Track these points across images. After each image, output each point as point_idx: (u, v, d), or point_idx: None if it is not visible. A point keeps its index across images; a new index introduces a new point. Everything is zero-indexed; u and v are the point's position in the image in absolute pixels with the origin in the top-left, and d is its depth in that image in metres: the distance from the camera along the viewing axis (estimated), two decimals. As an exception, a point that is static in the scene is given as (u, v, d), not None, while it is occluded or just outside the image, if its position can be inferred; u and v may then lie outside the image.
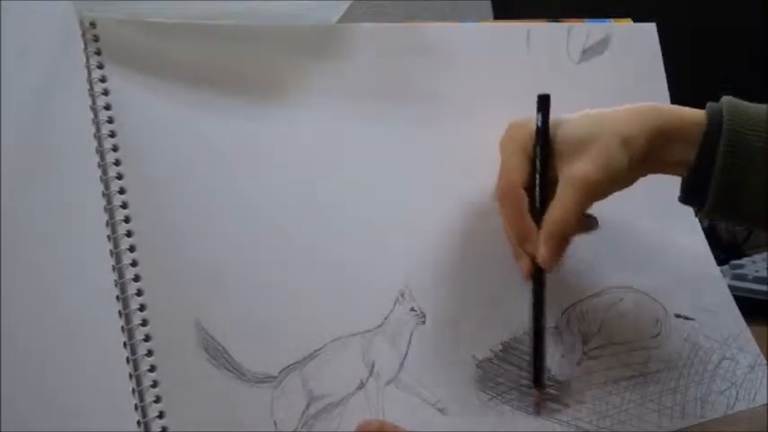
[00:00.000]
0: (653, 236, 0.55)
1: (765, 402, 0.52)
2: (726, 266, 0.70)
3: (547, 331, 0.49)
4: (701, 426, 0.50)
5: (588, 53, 0.57)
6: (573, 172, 0.45)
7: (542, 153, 0.46)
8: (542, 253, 0.45)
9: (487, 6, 0.78)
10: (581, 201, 0.45)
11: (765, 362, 0.54)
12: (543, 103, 0.47)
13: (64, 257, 0.42)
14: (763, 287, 0.66)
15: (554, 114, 0.48)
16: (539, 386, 0.46)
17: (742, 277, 0.68)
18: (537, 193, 0.46)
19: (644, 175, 0.48)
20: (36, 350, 0.41)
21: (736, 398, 0.52)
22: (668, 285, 0.54)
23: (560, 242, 0.45)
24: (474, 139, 0.52)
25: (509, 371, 0.48)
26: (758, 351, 0.54)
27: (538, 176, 0.46)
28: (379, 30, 0.51)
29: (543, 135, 0.46)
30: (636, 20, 0.59)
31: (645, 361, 0.51)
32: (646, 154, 0.46)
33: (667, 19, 0.58)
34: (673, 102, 0.57)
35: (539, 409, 0.46)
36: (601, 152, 0.45)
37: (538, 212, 0.45)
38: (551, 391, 0.47)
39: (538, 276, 0.46)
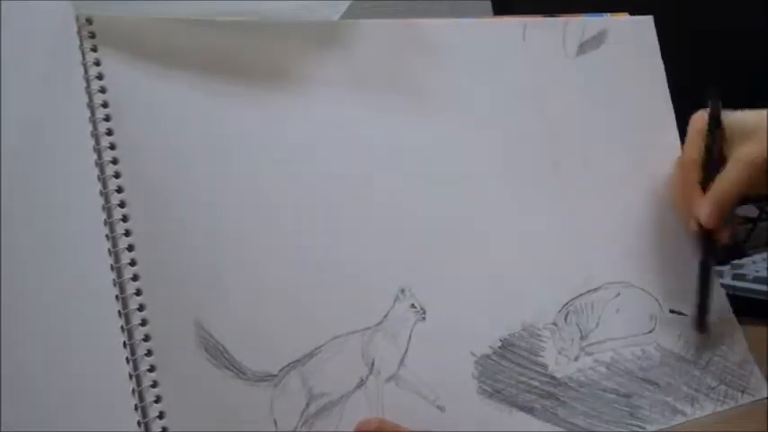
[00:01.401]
0: (650, 230, 0.55)
1: (752, 400, 0.52)
2: (726, 266, 0.70)
3: (544, 327, 0.50)
4: (699, 425, 0.51)
5: (585, 47, 0.57)
6: (741, 153, 0.52)
7: (713, 135, 0.55)
8: (705, 212, 0.52)
9: (487, 7, 0.77)
10: (744, 178, 0.52)
11: (753, 359, 0.54)
12: (714, 95, 0.55)
13: (62, 257, 0.41)
14: (763, 287, 0.66)
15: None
16: (702, 331, 0.53)
17: (742, 277, 0.68)
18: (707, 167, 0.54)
19: None
20: (35, 351, 0.40)
21: (725, 395, 0.52)
22: (664, 280, 0.54)
23: (721, 208, 0.53)
24: (472, 132, 0.52)
25: (507, 368, 0.48)
26: (747, 348, 0.55)
27: (706, 153, 0.55)
28: (377, 25, 0.50)
29: (715, 120, 0.55)
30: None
31: (639, 357, 0.52)
32: None
33: (667, 19, 0.58)
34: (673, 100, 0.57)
35: (700, 354, 0.53)
36: None
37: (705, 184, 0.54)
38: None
39: (704, 234, 0.53)
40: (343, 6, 0.48)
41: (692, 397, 0.51)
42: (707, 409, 0.51)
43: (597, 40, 0.58)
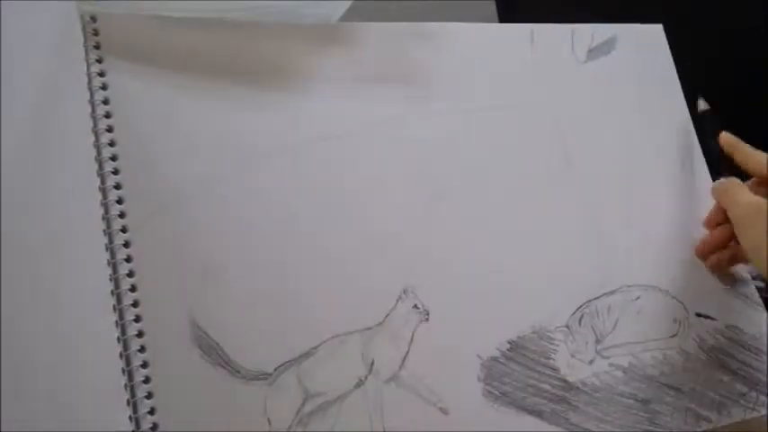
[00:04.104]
0: (670, 232, 0.53)
1: None
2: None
3: (557, 330, 0.48)
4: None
5: (595, 53, 0.57)
6: None
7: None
8: None
9: (491, 9, 0.77)
10: None
11: None
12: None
13: (59, 253, 0.41)
14: (763, 286, 0.63)
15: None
16: None
17: (742, 277, 0.65)
18: None
19: None
20: (30, 346, 0.40)
21: (756, 401, 0.49)
22: (691, 283, 0.51)
23: None
24: (481, 132, 0.51)
25: (516, 370, 0.46)
26: None
27: None
28: (382, 28, 0.51)
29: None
30: (637, 20, 0.58)
31: (660, 362, 0.49)
32: None
33: (668, 19, 0.57)
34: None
35: None
36: None
37: None
38: None
39: None
40: (344, 6, 0.48)
41: (718, 403, 0.48)
42: (735, 415, 0.48)
43: (607, 45, 0.57)
